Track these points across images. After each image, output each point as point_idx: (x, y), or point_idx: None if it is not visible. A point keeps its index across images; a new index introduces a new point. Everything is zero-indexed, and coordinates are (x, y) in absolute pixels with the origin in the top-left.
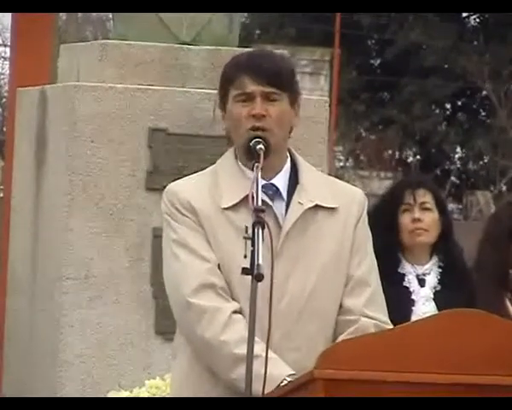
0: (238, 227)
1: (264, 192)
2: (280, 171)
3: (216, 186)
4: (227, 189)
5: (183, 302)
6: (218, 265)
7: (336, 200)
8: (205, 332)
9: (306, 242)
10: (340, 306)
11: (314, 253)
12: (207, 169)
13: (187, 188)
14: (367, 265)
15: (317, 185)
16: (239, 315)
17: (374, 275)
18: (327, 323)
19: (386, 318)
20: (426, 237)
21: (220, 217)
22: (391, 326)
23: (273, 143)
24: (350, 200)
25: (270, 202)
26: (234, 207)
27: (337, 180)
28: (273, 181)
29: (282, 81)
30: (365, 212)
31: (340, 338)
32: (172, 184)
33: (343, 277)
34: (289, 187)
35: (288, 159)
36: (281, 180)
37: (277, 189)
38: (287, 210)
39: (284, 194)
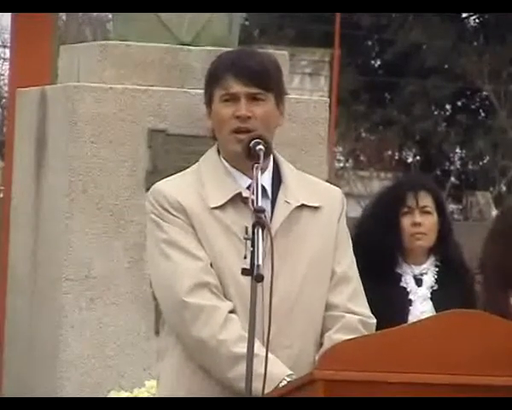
0: (226, 226)
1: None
2: (265, 170)
3: (201, 185)
4: (213, 188)
5: (178, 302)
6: (211, 263)
7: (319, 199)
8: (201, 331)
9: (292, 240)
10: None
11: (300, 251)
12: (190, 168)
13: (174, 188)
14: (348, 260)
15: (300, 184)
16: (234, 315)
17: (354, 270)
18: (316, 319)
19: (369, 311)
20: (425, 241)
21: (208, 216)
22: (374, 320)
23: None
24: (331, 198)
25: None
26: (221, 207)
27: (316, 179)
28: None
29: (268, 81)
30: (345, 209)
31: (328, 335)
32: (158, 184)
33: (328, 273)
34: (273, 186)
35: (271, 157)
36: (266, 179)
37: (263, 187)
38: (272, 209)
39: (269, 192)
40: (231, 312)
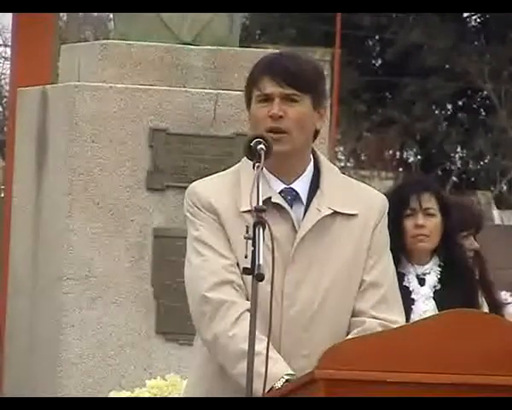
0: None
1: (283, 197)
2: (301, 174)
3: (237, 187)
4: (246, 191)
5: (200, 296)
6: (237, 263)
7: (356, 206)
8: (216, 326)
9: (321, 248)
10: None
11: (328, 260)
12: (230, 169)
13: (208, 188)
14: (381, 267)
15: (338, 191)
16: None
17: (388, 276)
18: (338, 329)
19: (396, 317)
20: (427, 243)
21: (238, 219)
22: (398, 324)
23: (292, 146)
24: (370, 205)
25: (288, 207)
26: (251, 211)
27: (360, 184)
28: (293, 185)
29: (303, 83)
30: (386, 217)
31: (347, 338)
32: (194, 184)
33: (357, 282)
34: (310, 192)
35: (312, 162)
36: (301, 185)
37: (297, 193)
38: (304, 216)
39: (304, 199)
40: (249, 311)
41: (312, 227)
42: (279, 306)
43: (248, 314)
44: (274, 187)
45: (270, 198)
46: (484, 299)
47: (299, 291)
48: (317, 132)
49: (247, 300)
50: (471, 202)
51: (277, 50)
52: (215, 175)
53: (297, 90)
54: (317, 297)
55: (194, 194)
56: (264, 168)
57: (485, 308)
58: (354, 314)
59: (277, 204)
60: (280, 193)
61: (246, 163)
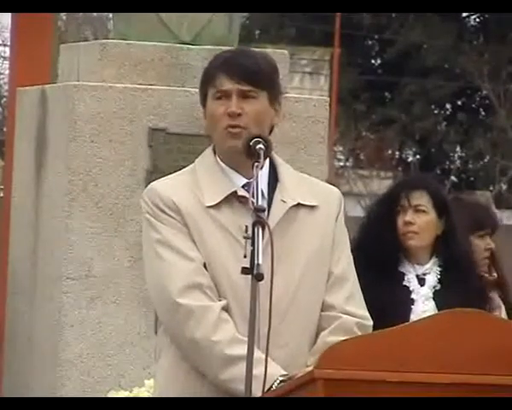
0: (222, 225)
1: (246, 191)
2: (261, 169)
3: (196, 184)
4: (208, 187)
5: (170, 303)
6: (204, 264)
7: (316, 198)
8: (194, 333)
9: (289, 240)
10: (322, 302)
11: (297, 250)
12: (186, 168)
13: (169, 187)
14: (345, 261)
15: (297, 184)
16: (227, 314)
17: (351, 270)
18: (311, 319)
19: (366, 312)
20: (416, 240)
21: (203, 215)
22: (371, 322)
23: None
24: (328, 198)
25: (254, 200)
26: (217, 206)
27: (314, 179)
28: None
29: (260, 79)
30: (342, 209)
31: (322, 334)
32: (153, 183)
33: (325, 273)
34: (269, 185)
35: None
36: (262, 179)
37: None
38: (269, 208)
39: (265, 192)
40: (223, 310)
41: (280, 219)
42: (257, 298)
43: (224, 316)
44: (236, 182)
45: (235, 192)
46: (501, 300)
47: (274, 281)
48: (272, 127)
49: (220, 296)
50: (486, 201)
51: (234, 48)
52: (172, 175)
53: (253, 86)
54: (290, 287)
55: (155, 193)
56: (223, 164)
57: (503, 310)
58: (326, 308)
59: (243, 197)
60: (243, 187)
61: (201, 161)
